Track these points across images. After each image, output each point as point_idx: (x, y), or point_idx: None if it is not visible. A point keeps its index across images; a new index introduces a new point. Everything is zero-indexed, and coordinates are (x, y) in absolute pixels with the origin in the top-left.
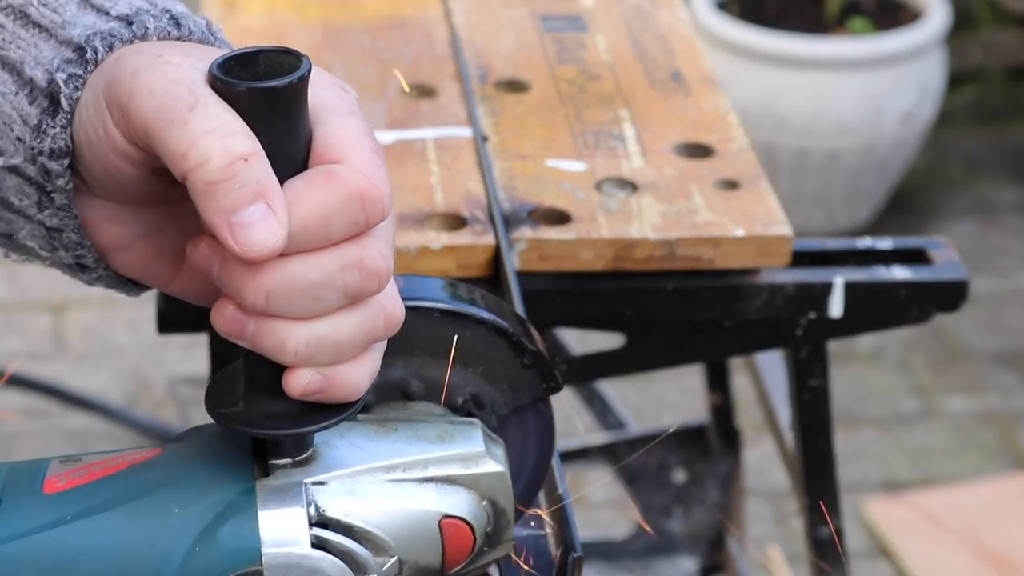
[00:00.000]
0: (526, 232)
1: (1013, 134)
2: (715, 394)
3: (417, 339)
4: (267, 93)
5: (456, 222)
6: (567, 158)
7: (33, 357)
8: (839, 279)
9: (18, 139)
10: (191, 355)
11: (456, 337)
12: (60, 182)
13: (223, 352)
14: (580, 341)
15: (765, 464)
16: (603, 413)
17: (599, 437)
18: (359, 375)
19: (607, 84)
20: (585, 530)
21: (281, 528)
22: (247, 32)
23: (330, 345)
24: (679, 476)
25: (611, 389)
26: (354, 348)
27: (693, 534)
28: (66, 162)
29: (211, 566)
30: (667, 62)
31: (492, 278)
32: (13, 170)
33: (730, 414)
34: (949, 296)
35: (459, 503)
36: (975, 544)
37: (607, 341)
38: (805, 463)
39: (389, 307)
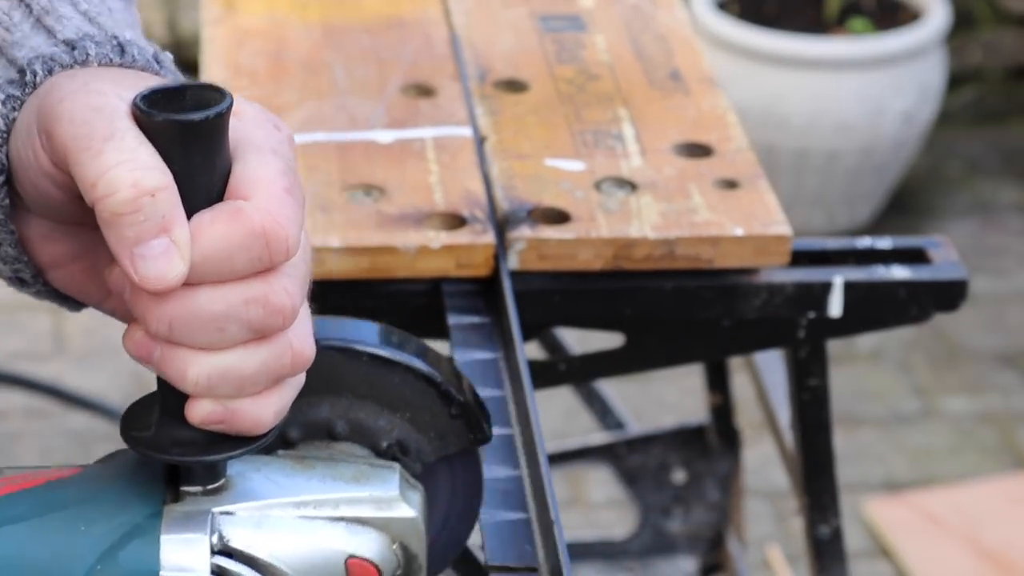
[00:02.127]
0: (525, 231)
1: (1013, 134)
2: (715, 394)
3: (346, 381)
4: (184, 125)
5: (455, 221)
6: (566, 157)
7: (33, 357)
8: (839, 279)
9: None
10: None
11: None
12: None
13: None
14: (580, 341)
15: (765, 464)
16: (603, 413)
17: (599, 437)
18: (263, 410)
19: (606, 84)
20: (585, 530)
21: (182, 554)
22: (247, 32)
23: (233, 378)
24: (679, 476)
25: (611, 389)
26: (258, 383)
27: (693, 534)
28: (1, 178)
29: None
30: (666, 62)
31: (491, 277)
32: None
33: (730, 414)
34: (949, 296)
35: (368, 544)
36: (975, 544)
37: (607, 341)
38: (805, 463)
39: (298, 345)
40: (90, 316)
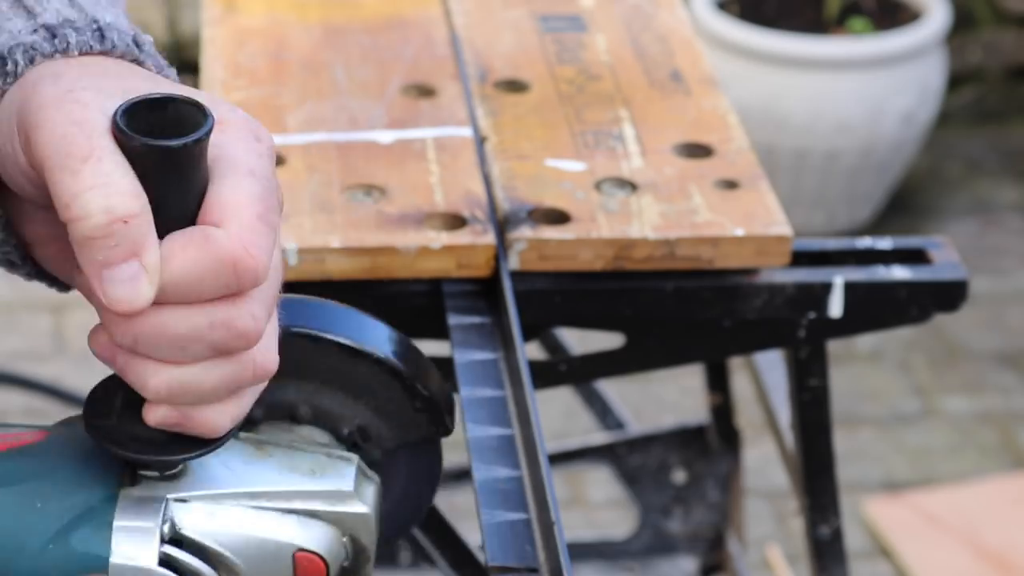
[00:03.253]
0: (526, 232)
1: (1013, 134)
2: (715, 394)
3: (314, 367)
4: (162, 152)
5: (456, 222)
6: (567, 158)
7: (33, 357)
8: (839, 279)
9: None
10: None
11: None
12: None
13: None
14: (580, 341)
15: (765, 464)
16: (603, 413)
17: (599, 437)
18: (219, 418)
19: (607, 84)
20: (585, 530)
21: (132, 541)
22: (247, 32)
23: (192, 390)
24: (679, 476)
25: (611, 389)
26: (217, 395)
27: (693, 534)
28: None
29: (60, 568)
30: (667, 62)
31: (492, 278)
32: None
33: (730, 414)
34: (949, 296)
35: (317, 538)
36: (975, 544)
37: (607, 341)
38: (805, 463)
39: (261, 359)
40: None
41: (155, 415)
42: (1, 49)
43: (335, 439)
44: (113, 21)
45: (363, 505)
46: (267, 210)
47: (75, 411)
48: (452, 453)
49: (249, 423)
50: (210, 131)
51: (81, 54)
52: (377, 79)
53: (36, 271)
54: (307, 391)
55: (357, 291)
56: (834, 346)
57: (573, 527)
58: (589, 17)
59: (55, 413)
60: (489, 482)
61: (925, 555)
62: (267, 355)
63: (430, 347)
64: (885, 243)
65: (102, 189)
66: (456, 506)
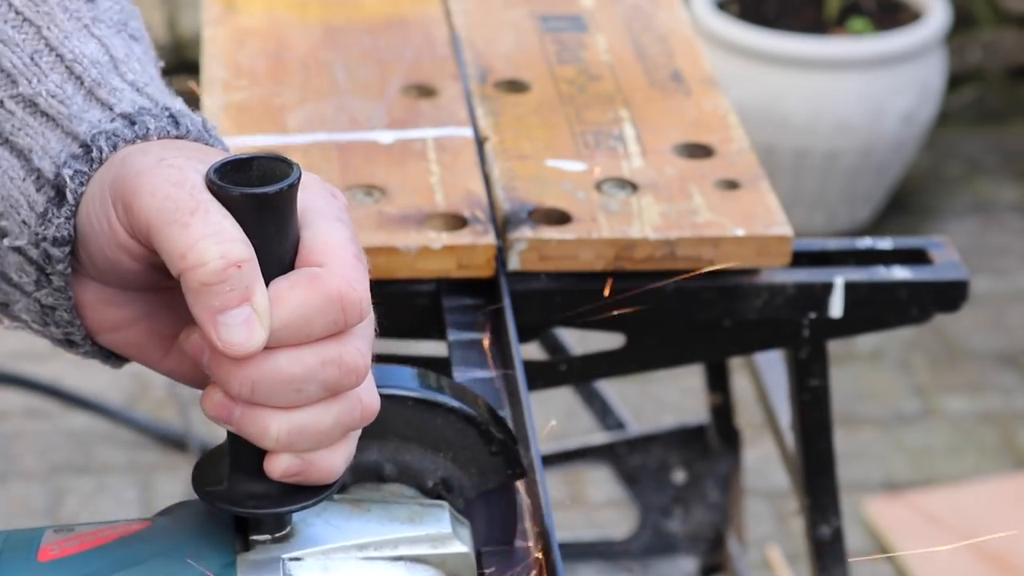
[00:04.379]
0: (526, 232)
1: (1013, 134)
2: (715, 394)
3: (391, 425)
4: (259, 199)
5: (456, 222)
6: (567, 158)
7: (33, 357)
8: (839, 279)
9: (23, 222)
10: None
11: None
12: (60, 267)
13: None
14: (580, 341)
15: (765, 464)
16: (603, 413)
17: (599, 437)
18: (336, 460)
19: (607, 84)
20: (585, 530)
21: None
22: (247, 32)
23: (310, 434)
24: (679, 476)
25: (611, 389)
26: (332, 436)
27: (693, 534)
28: (67, 249)
29: None
30: (667, 62)
31: (492, 278)
32: (16, 249)
33: (730, 414)
34: (949, 296)
35: None
36: (975, 544)
37: (607, 341)
38: (805, 463)
39: (367, 399)
40: None
41: (279, 465)
42: (84, 137)
43: (420, 493)
44: (183, 109)
45: (463, 545)
46: (360, 250)
47: (75, 411)
48: None
49: (340, 488)
50: (300, 177)
51: (158, 139)
52: (377, 79)
53: (95, 351)
54: (389, 450)
55: None
56: (834, 346)
57: (573, 527)
58: (589, 17)
59: (55, 413)
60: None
61: (925, 555)
62: (371, 396)
63: (430, 347)
64: (885, 243)
65: (214, 237)
66: None
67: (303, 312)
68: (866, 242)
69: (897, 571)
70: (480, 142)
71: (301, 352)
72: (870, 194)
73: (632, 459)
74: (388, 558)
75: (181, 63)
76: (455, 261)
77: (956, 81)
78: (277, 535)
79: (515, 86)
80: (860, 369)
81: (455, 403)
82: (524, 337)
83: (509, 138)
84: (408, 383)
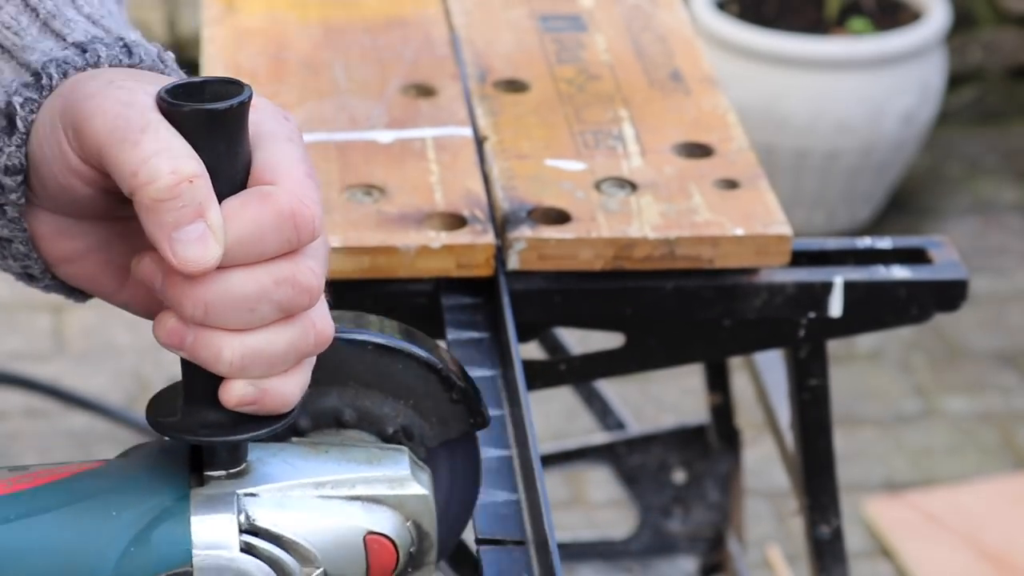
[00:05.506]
0: (525, 232)
1: (1013, 134)
2: (715, 394)
3: (352, 371)
4: (210, 114)
5: (456, 221)
6: (566, 158)
7: (33, 357)
8: (839, 279)
9: None
10: None
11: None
12: (13, 196)
13: None
14: (580, 341)
15: (765, 464)
16: (603, 413)
17: (599, 437)
18: (291, 387)
19: (606, 84)
20: (585, 530)
21: (212, 533)
22: (247, 32)
23: (264, 357)
24: (679, 476)
25: (611, 389)
26: (286, 361)
27: (693, 534)
28: (20, 178)
29: (144, 566)
30: (667, 62)
31: (491, 278)
32: None
33: (730, 414)
34: (949, 296)
35: (384, 521)
36: (975, 544)
37: (607, 341)
38: (805, 463)
39: (320, 324)
40: (90, 316)
41: (233, 392)
42: (35, 65)
43: (380, 440)
44: (138, 39)
45: (422, 487)
46: (311, 169)
47: (75, 411)
48: None
49: (298, 433)
50: (251, 96)
51: (111, 67)
52: (377, 79)
53: (54, 284)
54: (348, 395)
55: (357, 291)
56: (834, 346)
57: (573, 527)
58: (589, 17)
59: (55, 413)
60: (487, 506)
61: (925, 555)
62: (324, 320)
63: None
64: (885, 243)
65: (165, 153)
66: None
67: (255, 229)
68: (866, 242)
69: (897, 571)
70: (479, 142)
71: (254, 271)
72: (870, 194)
73: (632, 459)
74: (345, 497)
75: (181, 63)
76: (454, 260)
77: (956, 81)
78: (232, 471)
79: (514, 86)
80: (860, 369)
81: (416, 349)
82: (524, 337)
83: (508, 138)
84: (367, 328)
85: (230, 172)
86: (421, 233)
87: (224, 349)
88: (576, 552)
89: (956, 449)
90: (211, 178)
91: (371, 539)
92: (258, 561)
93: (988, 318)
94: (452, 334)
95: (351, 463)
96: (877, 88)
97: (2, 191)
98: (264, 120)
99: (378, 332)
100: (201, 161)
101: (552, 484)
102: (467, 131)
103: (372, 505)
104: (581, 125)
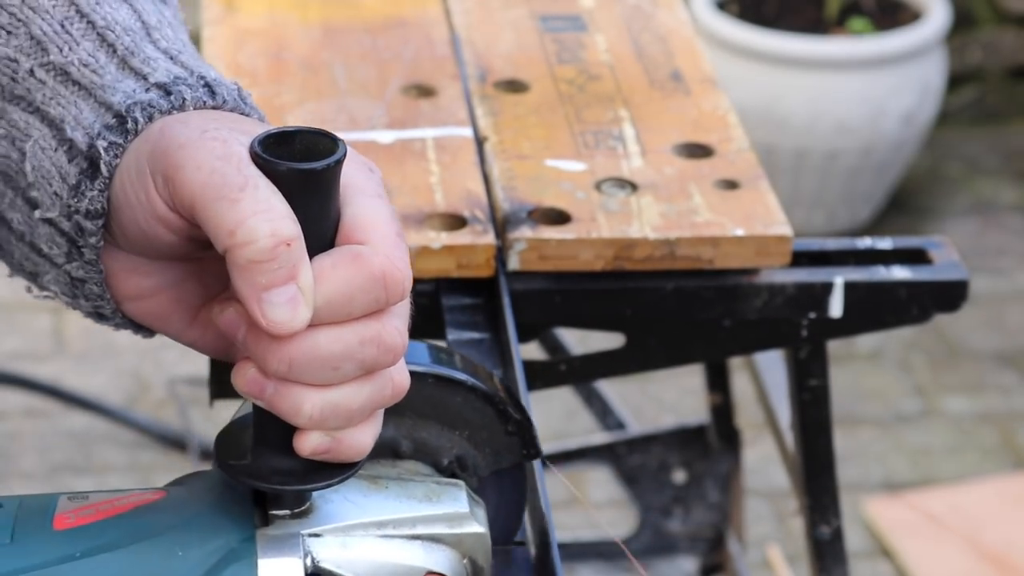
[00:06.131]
0: (526, 232)
1: (1013, 134)
2: (715, 394)
3: (409, 402)
4: (306, 174)
5: (456, 222)
6: (567, 158)
7: (33, 357)
8: (839, 279)
9: (55, 194)
10: (191, 355)
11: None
12: (92, 240)
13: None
14: (580, 341)
15: (765, 464)
16: (603, 413)
17: (599, 437)
18: (364, 438)
19: (607, 84)
20: (585, 530)
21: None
22: (247, 32)
23: (342, 411)
24: (679, 476)
25: (611, 389)
26: (363, 414)
27: (693, 534)
28: (100, 222)
29: None
30: (667, 62)
31: (491, 278)
32: (47, 221)
33: (730, 414)
34: (949, 296)
35: (442, 560)
36: (975, 544)
37: (607, 341)
38: (805, 463)
39: (398, 378)
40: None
41: (308, 442)
42: (118, 107)
43: (436, 471)
44: (218, 77)
45: (479, 526)
46: (400, 228)
47: (75, 411)
48: None
49: None
50: (346, 153)
51: (195, 109)
52: (377, 79)
53: (124, 321)
54: (406, 427)
55: None
56: (834, 346)
57: (573, 527)
58: (589, 17)
59: (55, 413)
60: None
61: (925, 555)
62: (402, 374)
63: None
64: (885, 243)
65: (265, 214)
66: None
67: (346, 290)
68: (866, 242)
69: (897, 571)
70: (480, 142)
71: (341, 330)
72: (870, 194)
73: (632, 459)
74: (406, 536)
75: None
76: (454, 261)
77: (956, 81)
78: (296, 510)
79: (515, 86)
80: (860, 369)
81: (474, 381)
82: (524, 337)
83: (509, 138)
84: (426, 360)
85: (322, 229)
86: (421, 233)
87: (304, 404)
88: (576, 552)
89: (956, 449)
90: (304, 236)
91: None
92: None
93: (988, 318)
94: (452, 334)
95: (411, 500)
96: (877, 88)
97: (81, 234)
98: (353, 173)
99: (437, 363)
100: (298, 222)
101: (552, 484)
102: (467, 131)
103: (431, 544)
104: (581, 125)
